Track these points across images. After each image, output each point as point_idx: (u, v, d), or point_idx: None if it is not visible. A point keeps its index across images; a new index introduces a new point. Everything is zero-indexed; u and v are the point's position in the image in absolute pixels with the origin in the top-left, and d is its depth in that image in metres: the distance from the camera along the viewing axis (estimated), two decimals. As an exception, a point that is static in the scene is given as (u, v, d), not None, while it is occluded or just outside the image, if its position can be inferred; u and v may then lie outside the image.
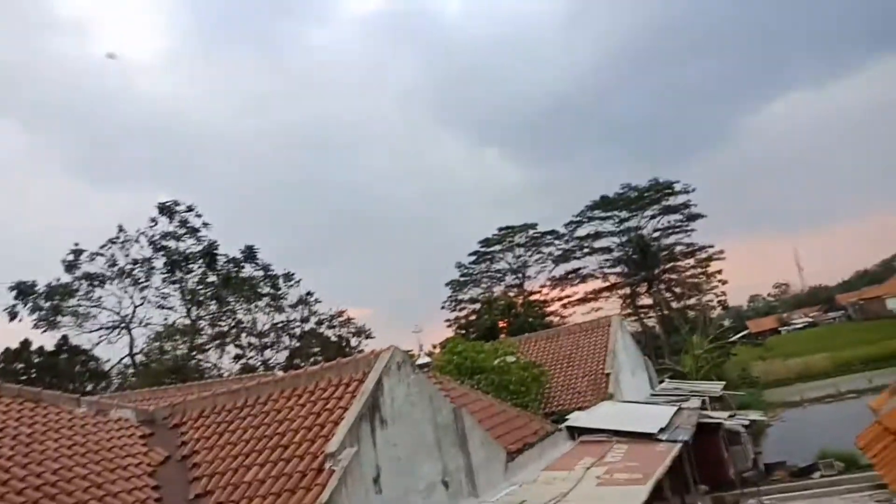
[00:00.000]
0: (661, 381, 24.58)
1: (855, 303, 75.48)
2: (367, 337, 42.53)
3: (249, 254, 39.12)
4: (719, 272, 46.37)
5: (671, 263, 46.41)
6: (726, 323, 39.76)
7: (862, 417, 10.27)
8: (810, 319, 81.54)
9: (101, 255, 31.82)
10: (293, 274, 41.62)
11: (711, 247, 46.98)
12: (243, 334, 39.07)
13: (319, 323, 42.89)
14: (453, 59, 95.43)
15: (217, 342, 37.49)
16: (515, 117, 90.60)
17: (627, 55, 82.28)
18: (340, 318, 43.20)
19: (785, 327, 79.06)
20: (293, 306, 41.84)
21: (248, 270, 38.88)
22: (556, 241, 50.02)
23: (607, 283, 48.16)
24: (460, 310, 49.21)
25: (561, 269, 49.83)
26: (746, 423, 20.00)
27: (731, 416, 19.50)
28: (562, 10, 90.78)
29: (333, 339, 42.82)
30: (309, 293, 42.26)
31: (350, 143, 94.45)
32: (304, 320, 42.30)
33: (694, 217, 46.97)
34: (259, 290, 39.26)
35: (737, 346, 38.82)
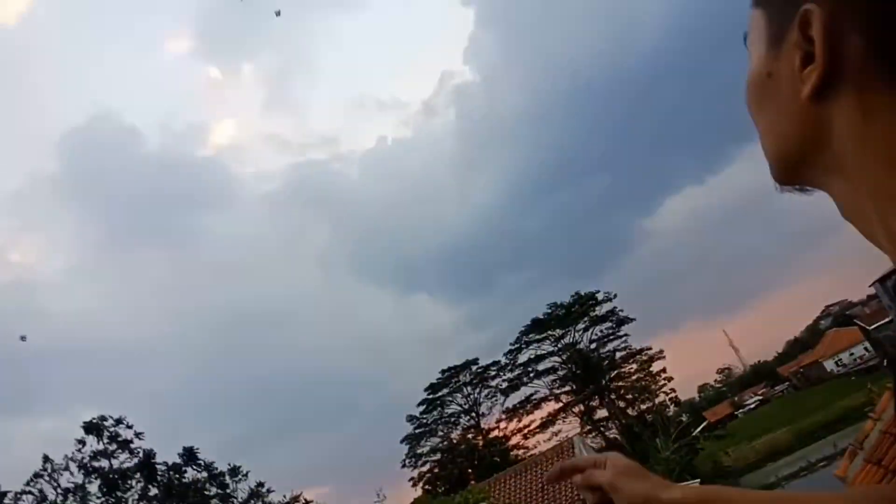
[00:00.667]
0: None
1: (796, 371, 77.94)
2: (331, 518, 39.83)
3: (190, 456, 36.94)
4: (663, 370, 47.33)
5: (615, 371, 47.02)
6: (684, 419, 39.96)
7: (836, 487, 10.43)
8: (760, 397, 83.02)
9: (29, 492, 29.10)
10: (239, 467, 39.29)
11: (649, 348, 48.29)
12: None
13: (277, 515, 40.01)
14: (360, 217, 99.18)
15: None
16: (432, 260, 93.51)
17: (527, 183, 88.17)
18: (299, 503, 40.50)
19: (740, 410, 79.95)
20: (245, 502, 39.15)
21: (190, 474, 36.63)
22: (501, 373, 49.93)
23: (560, 404, 47.94)
24: (422, 464, 47.21)
25: (512, 400, 49.37)
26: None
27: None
28: (454, 155, 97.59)
29: (301, 528, 39.90)
30: (260, 484, 39.74)
31: (278, 320, 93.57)
32: (260, 515, 39.39)
33: (623, 321, 48.51)
34: (206, 492, 36.68)
35: (701, 441, 38.85)
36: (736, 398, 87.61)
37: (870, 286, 41.43)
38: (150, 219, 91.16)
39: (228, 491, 38.16)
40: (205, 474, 37.22)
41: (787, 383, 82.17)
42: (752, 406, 79.53)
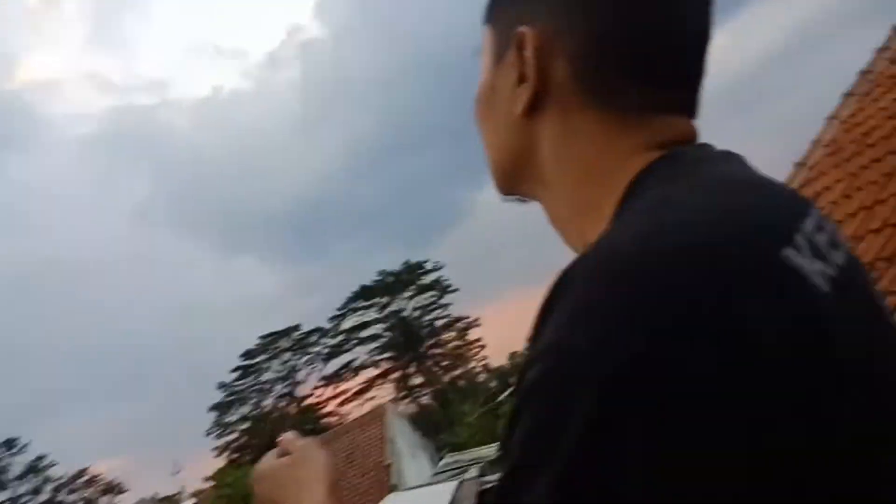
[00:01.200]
0: (442, 458, 24.84)
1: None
2: (119, 492, 37.16)
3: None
4: (478, 340, 49.53)
5: (434, 339, 48.34)
6: (493, 385, 42.16)
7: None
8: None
9: None
10: (16, 439, 35.16)
11: (468, 317, 50.17)
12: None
13: (57, 489, 36.58)
14: (186, 170, 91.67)
15: None
16: (262, 221, 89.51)
17: (366, 149, 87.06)
18: (84, 479, 37.18)
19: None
20: (20, 478, 35.24)
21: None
22: (324, 339, 49.12)
23: (380, 370, 48.39)
24: (229, 433, 45.22)
25: (332, 367, 48.88)
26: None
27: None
28: (297, 113, 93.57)
29: (78, 504, 36.64)
30: (40, 457, 35.89)
31: (78, 277, 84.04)
32: (37, 491, 35.74)
33: (448, 291, 49.91)
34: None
35: (506, 405, 41.25)
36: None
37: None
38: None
39: (1, 465, 34.37)
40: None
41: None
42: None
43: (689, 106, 0.58)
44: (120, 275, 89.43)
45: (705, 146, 0.57)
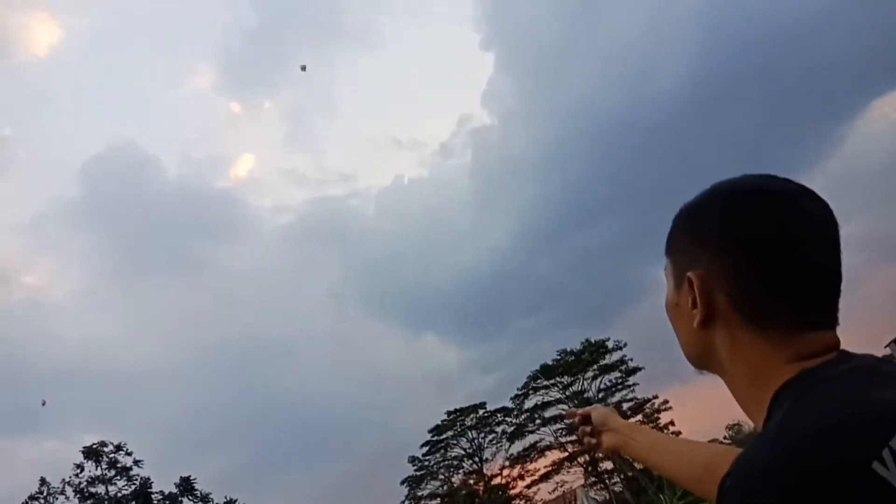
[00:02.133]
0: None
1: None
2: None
3: (186, 486, 36.61)
4: (671, 423, 46.47)
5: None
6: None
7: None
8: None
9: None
10: (235, 500, 38.79)
11: (656, 398, 47.51)
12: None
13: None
14: (373, 255, 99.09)
15: None
16: (442, 301, 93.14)
17: (542, 225, 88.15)
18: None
19: (748, 468, 77.90)
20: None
21: (186, 504, 36.31)
22: (507, 418, 49.16)
23: (565, 454, 47.04)
24: (421, 508, 46.36)
25: (518, 447, 48.50)
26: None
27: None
28: (469, 197, 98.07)
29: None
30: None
31: (285, 354, 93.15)
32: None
33: (632, 371, 47.86)
34: (200, 525, 36.23)
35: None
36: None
37: (886, 346, 40.98)
38: (164, 247, 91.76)
39: None
40: (200, 504, 36.85)
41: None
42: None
43: (829, 321, 0.78)
44: (319, 352, 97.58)
45: (842, 358, 0.76)
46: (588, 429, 1.40)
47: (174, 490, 35.92)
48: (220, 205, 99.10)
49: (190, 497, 36.41)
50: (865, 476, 0.59)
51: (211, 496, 37.31)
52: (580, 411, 1.44)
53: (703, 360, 0.88)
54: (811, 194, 0.81)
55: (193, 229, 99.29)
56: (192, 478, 36.80)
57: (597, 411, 1.41)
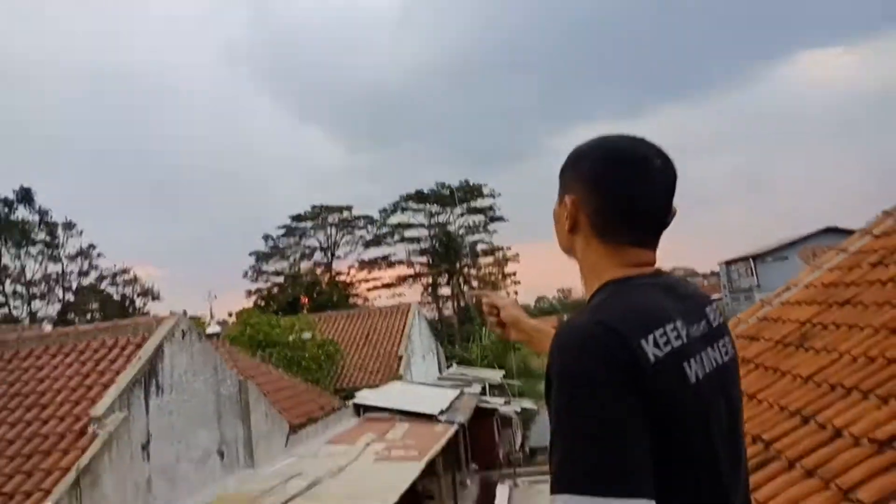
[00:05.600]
0: (450, 366, 26.08)
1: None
2: (154, 298, 39.71)
3: (25, 195, 34.69)
4: (514, 273, 50.26)
5: (472, 259, 49.23)
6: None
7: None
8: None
9: None
10: (75, 224, 37.50)
11: (509, 248, 50.73)
12: (7, 280, 34.62)
13: (101, 279, 39.22)
14: (281, 24, 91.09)
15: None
16: (339, 99, 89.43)
17: (453, 62, 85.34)
18: (125, 276, 39.83)
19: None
20: (72, 258, 37.82)
21: (22, 213, 34.76)
22: (369, 227, 50.44)
23: (412, 271, 49.79)
24: (263, 281, 47.75)
25: (371, 254, 50.43)
26: (518, 410, 21.96)
27: (506, 403, 21.27)
28: (395, 10, 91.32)
29: (116, 297, 39.37)
30: (91, 245, 38.36)
31: (168, 89, 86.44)
32: (83, 274, 38.43)
33: (496, 219, 50.29)
34: (32, 235, 34.96)
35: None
36: (564, 317, 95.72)
37: (718, 264, 45.96)
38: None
39: (56, 241, 36.64)
40: (36, 218, 35.37)
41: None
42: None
43: (653, 244, 1.17)
44: (198, 101, 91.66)
45: (654, 273, 1.15)
46: (494, 320, 1.65)
47: (11, 196, 34.13)
48: None
49: (28, 207, 34.82)
50: (638, 346, 0.96)
51: (50, 212, 35.77)
52: (494, 301, 1.67)
53: (567, 250, 1.25)
54: (660, 153, 1.14)
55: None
56: (32, 190, 34.86)
57: (507, 311, 1.64)
